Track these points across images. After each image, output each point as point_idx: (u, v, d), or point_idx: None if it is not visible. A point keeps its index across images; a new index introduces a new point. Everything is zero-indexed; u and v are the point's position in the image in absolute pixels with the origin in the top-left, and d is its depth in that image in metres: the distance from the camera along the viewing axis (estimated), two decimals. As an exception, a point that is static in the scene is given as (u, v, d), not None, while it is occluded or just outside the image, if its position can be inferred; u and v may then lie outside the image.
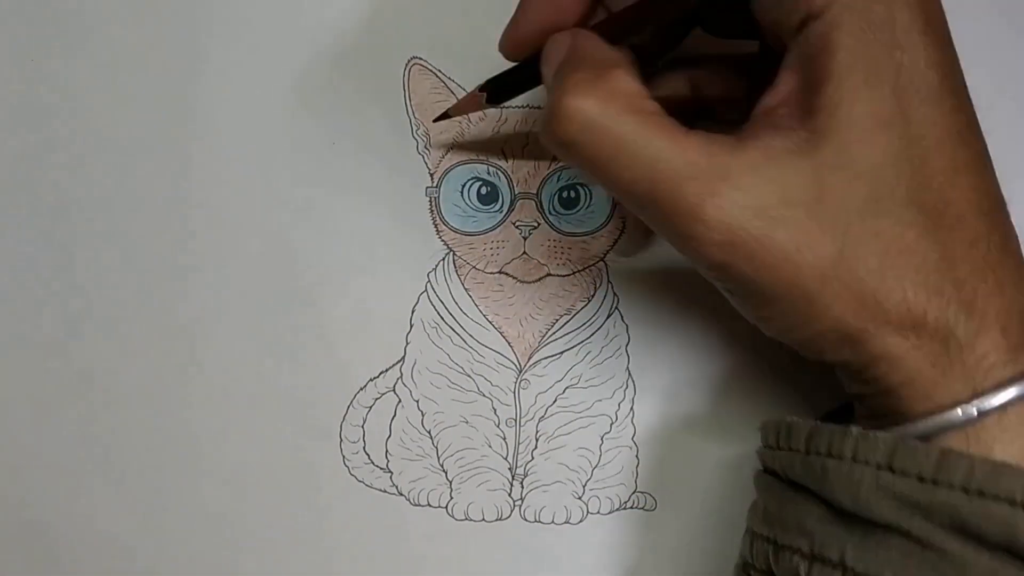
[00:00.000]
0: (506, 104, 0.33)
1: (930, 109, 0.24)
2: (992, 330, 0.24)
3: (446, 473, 0.34)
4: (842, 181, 0.24)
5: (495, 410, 0.34)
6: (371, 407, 0.34)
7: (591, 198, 0.34)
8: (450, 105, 0.32)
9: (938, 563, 0.23)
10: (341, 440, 0.34)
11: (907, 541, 0.24)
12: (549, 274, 0.34)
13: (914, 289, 0.24)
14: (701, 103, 0.30)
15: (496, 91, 0.30)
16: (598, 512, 0.34)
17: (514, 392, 0.34)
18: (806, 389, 0.34)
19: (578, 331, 0.34)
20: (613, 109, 0.24)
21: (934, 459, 0.23)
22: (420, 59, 0.33)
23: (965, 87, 0.25)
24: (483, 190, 0.34)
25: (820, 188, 0.24)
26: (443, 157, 0.34)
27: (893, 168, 0.24)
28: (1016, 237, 0.26)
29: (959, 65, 0.25)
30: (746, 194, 0.23)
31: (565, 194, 0.34)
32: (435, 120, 0.32)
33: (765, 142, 0.24)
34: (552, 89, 0.25)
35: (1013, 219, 0.26)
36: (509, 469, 0.34)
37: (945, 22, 0.25)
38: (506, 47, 0.29)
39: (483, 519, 0.34)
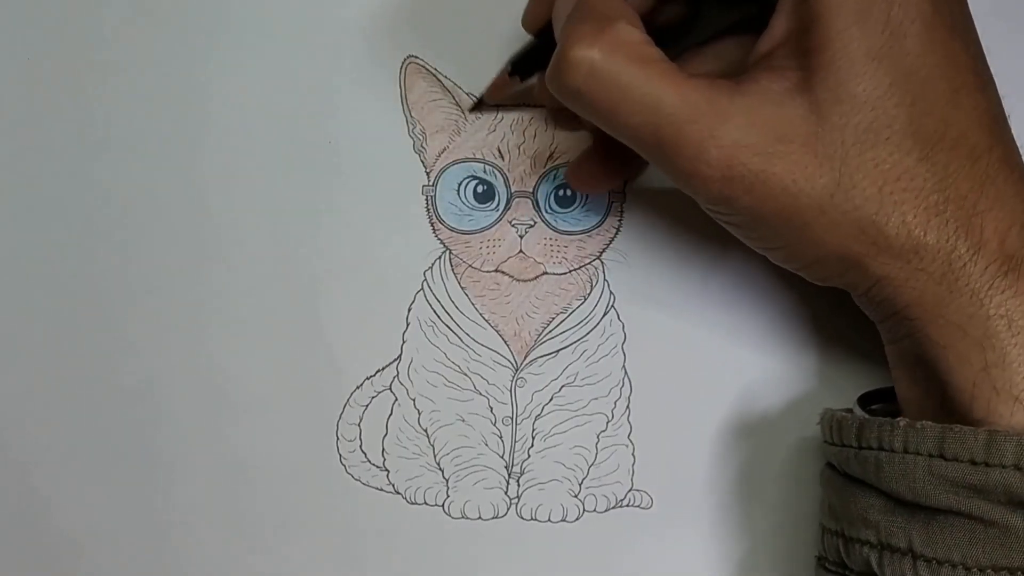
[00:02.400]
0: (503, 104, 0.33)
1: (924, 39, 0.25)
2: (992, 243, 0.25)
3: (442, 471, 0.34)
4: (839, 115, 0.25)
5: (491, 408, 0.34)
6: (367, 405, 0.34)
7: (587, 196, 0.34)
8: (445, 103, 0.32)
9: (1003, 539, 0.24)
10: (337, 438, 0.34)
11: (969, 522, 0.25)
12: (545, 272, 0.34)
13: (914, 212, 0.25)
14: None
15: (522, 67, 0.31)
16: (594, 510, 0.34)
17: (510, 390, 0.34)
18: (806, 387, 0.34)
19: (574, 329, 0.34)
20: (617, 57, 0.25)
21: (982, 442, 0.24)
22: (416, 58, 0.34)
23: (965, 12, 0.26)
24: (479, 188, 0.34)
25: (817, 123, 0.25)
26: (439, 156, 0.34)
27: (892, 99, 0.25)
28: (1018, 150, 0.26)
29: None
30: (744, 133, 0.25)
31: (561, 192, 0.34)
32: (471, 110, 0.33)
33: (763, 85, 0.25)
34: (559, 39, 0.26)
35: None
36: (505, 467, 0.34)
37: None
38: (526, 19, 0.30)
39: (479, 517, 0.34)
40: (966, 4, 0.26)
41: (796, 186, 0.25)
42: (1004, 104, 0.27)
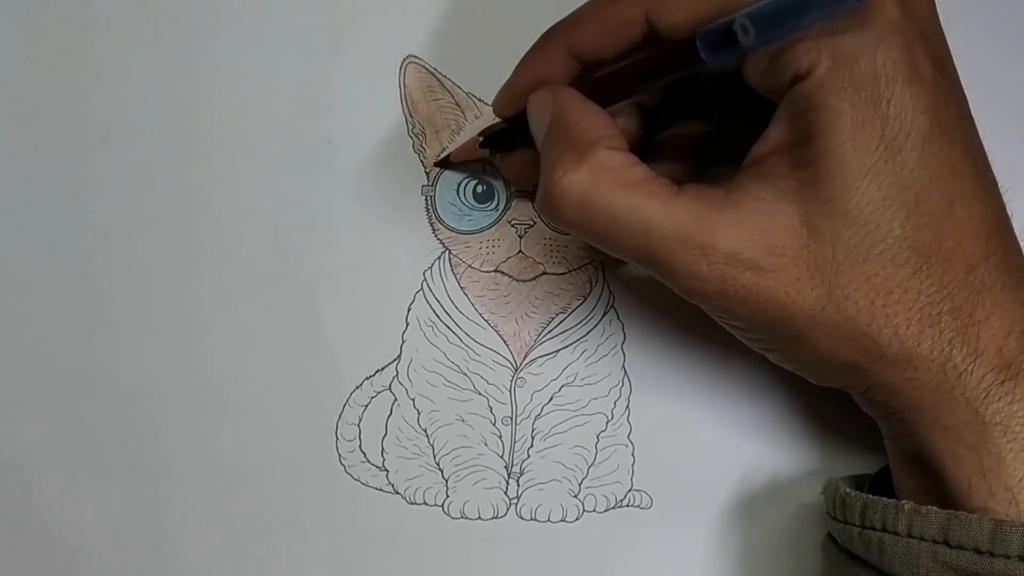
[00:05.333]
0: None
1: (921, 152, 0.24)
2: (989, 351, 0.25)
3: (442, 471, 0.34)
4: (831, 228, 0.25)
5: (491, 408, 0.34)
6: (367, 405, 0.34)
7: (587, 196, 0.34)
8: (445, 103, 0.33)
9: None
10: (337, 438, 0.34)
11: None
12: (545, 272, 0.34)
13: (907, 324, 0.25)
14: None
15: (492, 142, 0.31)
16: (594, 510, 0.34)
17: (510, 390, 0.34)
18: (807, 388, 0.34)
19: (574, 329, 0.34)
20: (602, 186, 0.25)
21: (988, 531, 0.24)
22: (416, 58, 0.34)
23: (967, 117, 0.26)
24: (479, 188, 0.34)
25: (808, 236, 0.25)
26: (439, 156, 0.34)
27: (885, 213, 0.24)
28: (1019, 253, 0.26)
29: (961, 98, 0.26)
30: (735, 247, 0.25)
31: (561, 192, 0.34)
32: (435, 164, 0.34)
33: (754, 194, 0.25)
34: (542, 164, 0.27)
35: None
36: (505, 467, 0.34)
37: (940, 62, 0.25)
38: (496, 105, 0.30)
39: (479, 517, 0.34)
40: (967, 104, 0.26)
41: (788, 298, 0.25)
42: (999, 121, 0.26)
